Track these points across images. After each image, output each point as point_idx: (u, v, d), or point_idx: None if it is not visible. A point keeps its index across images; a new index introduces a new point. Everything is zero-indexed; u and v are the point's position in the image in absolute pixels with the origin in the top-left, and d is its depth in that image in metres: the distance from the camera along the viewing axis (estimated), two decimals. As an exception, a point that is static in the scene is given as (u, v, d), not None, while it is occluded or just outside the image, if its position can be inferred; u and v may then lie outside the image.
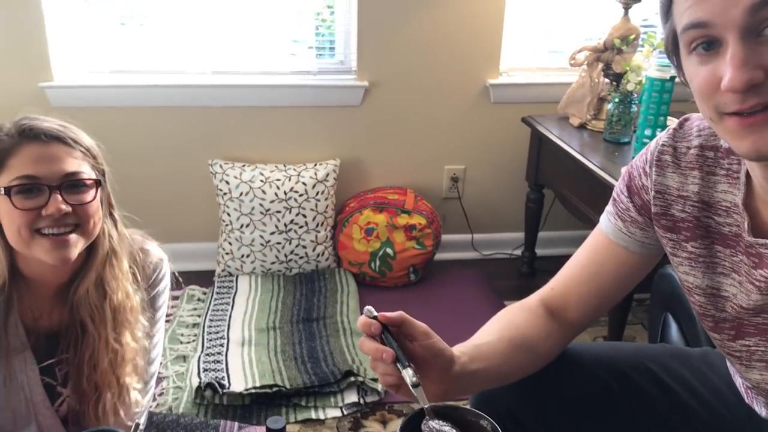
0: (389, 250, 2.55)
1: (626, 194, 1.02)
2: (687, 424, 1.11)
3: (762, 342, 0.91)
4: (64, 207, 1.07)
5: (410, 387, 0.84)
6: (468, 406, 0.94)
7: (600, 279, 1.06)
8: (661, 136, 0.99)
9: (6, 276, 1.12)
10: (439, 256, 2.76)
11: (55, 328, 1.20)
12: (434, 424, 0.87)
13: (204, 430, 1.50)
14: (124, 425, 1.23)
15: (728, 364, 1.13)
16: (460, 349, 0.95)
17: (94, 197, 1.12)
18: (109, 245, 1.17)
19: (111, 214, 1.20)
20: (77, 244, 1.11)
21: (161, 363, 1.39)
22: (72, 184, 1.10)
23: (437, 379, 0.89)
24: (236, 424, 1.50)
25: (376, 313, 0.89)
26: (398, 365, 0.85)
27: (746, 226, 0.87)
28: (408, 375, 0.84)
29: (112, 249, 1.18)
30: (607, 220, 1.06)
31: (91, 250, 1.17)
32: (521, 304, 1.10)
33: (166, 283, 1.33)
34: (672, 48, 0.82)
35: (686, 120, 0.98)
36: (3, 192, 1.07)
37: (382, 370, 0.86)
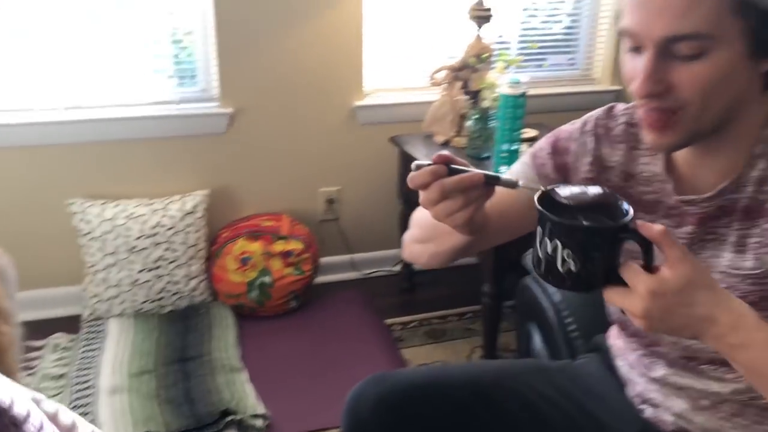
0: (267, 279, 2.50)
1: (548, 151, 1.09)
2: None
3: None
4: None
5: (521, 185, 0.88)
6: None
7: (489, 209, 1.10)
8: (596, 113, 1.09)
9: None
10: (320, 279, 2.75)
11: None
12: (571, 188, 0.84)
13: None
14: None
15: (614, 334, 1.18)
16: None
17: None
18: None
19: None
20: None
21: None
22: None
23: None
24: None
25: (426, 162, 0.86)
26: (488, 184, 0.87)
27: (670, 188, 0.99)
28: (507, 179, 0.87)
29: None
30: (519, 163, 1.13)
31: None
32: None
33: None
34: None
35: (613, 106, 1.09)
36: None
37: (475, 195, 0.87)
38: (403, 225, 2.68)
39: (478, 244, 1.07)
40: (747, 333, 0.78)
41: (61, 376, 2.21)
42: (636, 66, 0.87)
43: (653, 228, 0.77)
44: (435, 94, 2.54)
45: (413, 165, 0.87)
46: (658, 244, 0.77)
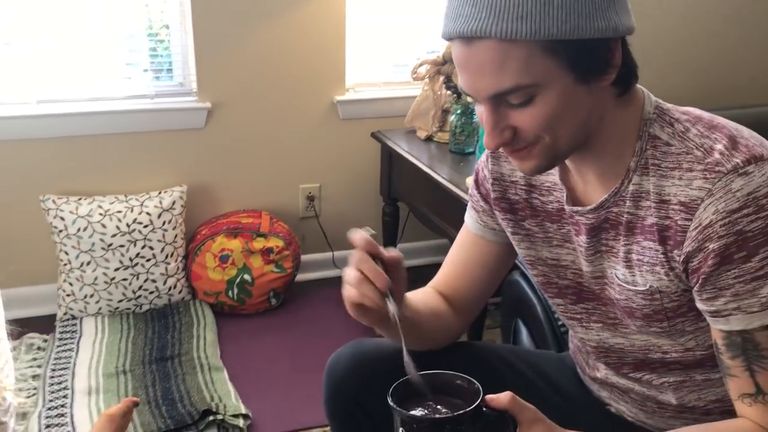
0: (247, 277, 2.46)
1: (475, 186, 1.14)
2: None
3: (599, 305, 1.04)
4: None
5: (396, 318, 0.90)
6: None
7: (470, 269, 1.16)
8: None
9: None
10: (301, 276, 2.71)
11: None
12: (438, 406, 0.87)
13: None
14: None
15: (570, 334, 1.22)
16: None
17: None
18: None
19: None
20: None
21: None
22: None
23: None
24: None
25: (373, 233, 0.90)
26: (387, 296, 0.90)
27: (564, 197, 1.00)
28: (393, 308, 0.89)
29: None
30: (467, 214, 1.18)
31: None
32: (422, 288, 1.19)
33: None
34: None
35: None
36: None
37: (368, 292, 0.90)
38: (385, 223, 2.67)
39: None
40: None
41: (35, 376, 2.14)
42: (481, 113, 0.89)
43: (501, 399, 0.82)
44: (417, 89, 2.51)
45: (364, 228, 0.92)
46: (509, 411, 0.82)
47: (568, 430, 0.85)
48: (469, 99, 2.23)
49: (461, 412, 0.82)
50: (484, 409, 0.83)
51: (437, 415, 0.83)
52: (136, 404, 1.13)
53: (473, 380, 0.87)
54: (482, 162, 1.13)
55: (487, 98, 0.85)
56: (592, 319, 1.06)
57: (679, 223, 0.87)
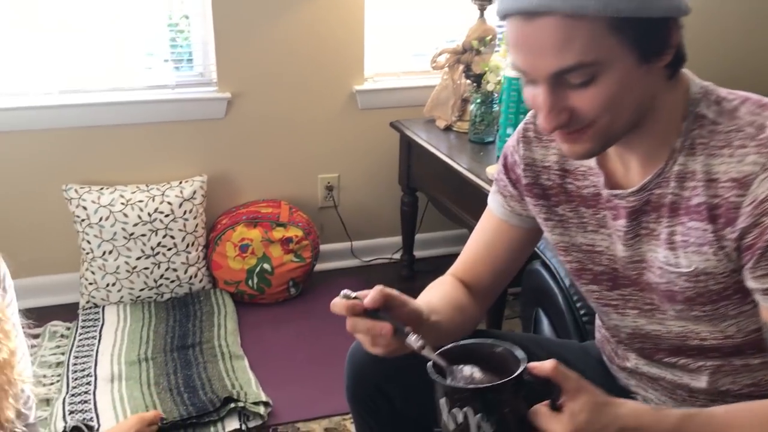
0: (266, 266, 2.47)
1: (503, 172, 1.13)
2: None
3: (635, 291, 1.03)
4: None
5: (419, 352, 0.87)
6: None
7: (493, 254, 1.17)
8: (527, 116, 1.09)
9: None
10: (320, 266, 2.71)
11: None
12: (464, 370, 0.86)
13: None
14: None
15: (600, 322, 1.20)
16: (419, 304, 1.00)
17: None
18: None
19: None
20: None
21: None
22: None
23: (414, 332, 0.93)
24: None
25: (354, 295, 0.90)
26: (397, 336, 0.88)
27: (602, 182, 0.99)
28: (413, 341, 0.87)
29: None
30: (492, 198, 1.18)
31: None
32: (442, 278, 1.19)
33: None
34: None
35: None
36: None
37: (383, 343, 0.90)
38: (404, 213, 2.67)
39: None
40: (649, 428, 0.84)
41: (58, 364, 2.17)
42: (535, 95, 0.87)
43: (545, 367, 0.81)
44: (437, 78, 2.50)
45: (342, 293, 0.91)
46: (553, 379, 0.81)
47: (612, 397, 0.84)
48: (492, 81, 2.22)
49: (503, 381, 0.81)
50: (526, 378, 0.81)
51: (479, 385, 0.82)
52: (163, 419, 1.18)
53: (516, 348, 0.85)
54: (512, 146, 1.11)
55: (547, 77, 0.83)
56: (628, 306, 1.05)
57: (731, 200, 0.86)
